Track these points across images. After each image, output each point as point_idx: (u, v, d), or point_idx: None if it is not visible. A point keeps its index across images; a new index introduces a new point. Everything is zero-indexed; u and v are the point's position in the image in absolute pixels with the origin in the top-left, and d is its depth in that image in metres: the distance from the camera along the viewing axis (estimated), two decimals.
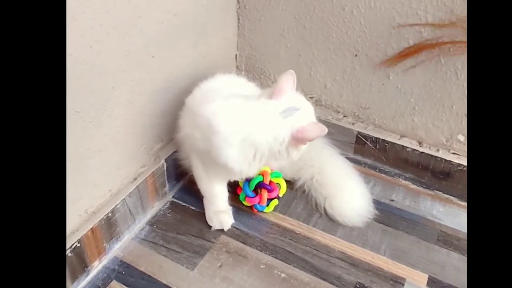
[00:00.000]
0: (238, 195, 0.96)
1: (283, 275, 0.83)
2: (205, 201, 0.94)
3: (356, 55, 1.01)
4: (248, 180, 0.93)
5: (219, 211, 0.92)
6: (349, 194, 0.96)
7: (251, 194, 0.93)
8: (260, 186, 0.93)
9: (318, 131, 0.76)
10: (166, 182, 0.98)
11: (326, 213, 0.96)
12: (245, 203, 0.95)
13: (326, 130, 0.75)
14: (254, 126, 0.76)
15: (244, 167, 0.79)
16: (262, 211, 0.95)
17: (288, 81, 0.78)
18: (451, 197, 1.01)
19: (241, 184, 0.95)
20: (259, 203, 0.94)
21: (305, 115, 0.78)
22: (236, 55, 1.18)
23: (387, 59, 0.96)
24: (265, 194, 0.93)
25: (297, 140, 0.76)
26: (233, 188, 0.97)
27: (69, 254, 0.76)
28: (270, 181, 0.95)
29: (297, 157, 0.81)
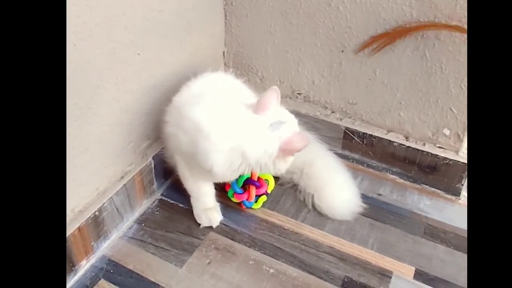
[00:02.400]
0: (227, 192, 0.96)
1: (271, 270, 0.84)
2: (192, 200, 0.94)
3: (342, 51, 1.02)
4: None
5: (207, 209, 0.92)
6: (338, 188, 0.97)
7: (239, 190, 0.93)
8: (248, 182, 0.93)
9: (303, 141, 0.79)
10: (154, 180, 0.98)
11: (314, 208, 0.96)
12: (233, 199, 0.95)
13: (309, 139, 0.78)
14: (245, 139, 0.78)
15: (227, 174, 0.81)
16: (251, 208, 0.96)
17: (272, 97, 0.79)
18: (438, 191, 1.02)
19: (228, 181, 0.95)
20: (247, 199, 0.94)
21: (290, 127, 0.80)
22: (223, 52, 1.17)
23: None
24: (253, 191, 0.93)
25: (285, 151, 0.79)
26: (221, 185, 0.97)
27: None
28: (258, 178, 0.95)
29: (285, 169, 0.83)
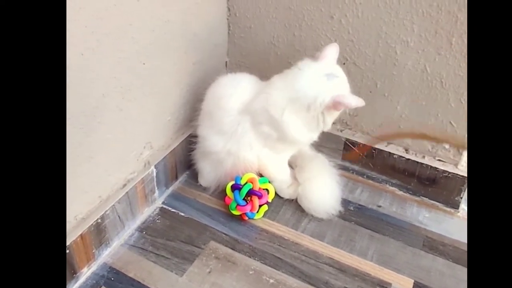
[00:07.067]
0: (228, 206, 0.96)
1: (271, 280, 0.84)
2: (279, 183, 1.01)
3: (344, 63, 1.03)
4: (238, 189, 0.94)
5: (290, 185, 1.01)
6: (324, 185, 0.99)
7: (242, 202, 0.93)
8: (250, 193, 0.94)
9: (356, 101, 0.84)
10: (156, 188, 0.99)
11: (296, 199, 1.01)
12: (235, 212, 0.95)
13: (363, 103, 0.84)
14: (301, 84, 0.86)
15: (301, 129, 0.90)
16: (253, 218, 0.96)
17: (332, 50, 0.88)
18: (437, 203, 1.03)
19: (229, 194, 0.95)
20: (250, 210, 0.94)
21: (342, 84, 0.88)
22: (226, 62, 1.19)
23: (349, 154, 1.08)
24: (256, 201, 0.93)
25: (335, 104, 0.84)
26: (222, 198, 0.98)
27: None
28: (259, 188, 0.95)
29: (328, 125, 0.91)
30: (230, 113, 0.93)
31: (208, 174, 1.02)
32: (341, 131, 1.11)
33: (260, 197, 0.94)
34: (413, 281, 0.85)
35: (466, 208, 1.01)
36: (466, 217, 1.00)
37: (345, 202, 1.01)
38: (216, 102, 0.95)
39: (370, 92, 1.03)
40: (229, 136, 0.94)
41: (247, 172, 0.96)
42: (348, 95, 0.86)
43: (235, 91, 0.95)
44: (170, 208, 0.99)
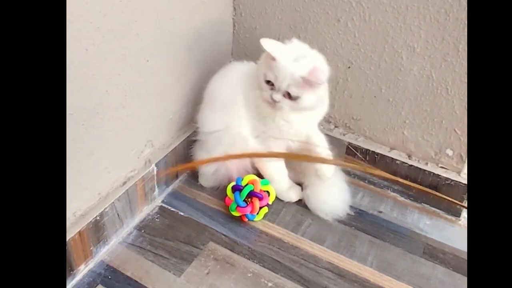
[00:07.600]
0: (228, 207, 0.95)
1: (270, 284, 0.84)
2: (277, 184, 1.00)
3: (349, 67, 1.03)
4: (239, 190, 0.93)
5: (289, 187, 1.02)
6: (332, 188, 0.99)
7: (242, 204, 0.93)
8: (251, 195, 0.93)
9: (320, 74, 0.85)
10: (156, 186, 0.98)
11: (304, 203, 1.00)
12: (235, 213, 0.94)
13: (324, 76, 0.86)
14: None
15: None
16: (253, 220, 0.95)
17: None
18: (438, 211, 1.02)
19: (230, 195, 0.95)
20: (251, 212, 0.93)
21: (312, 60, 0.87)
22: (230, 62, 1.18)
23: None
24: (256, 203, 0.93)
25: (307, 82, 0.84)
26: (222, 198, 0.98)
27: None
28: (260, 189, 0.95)
29: (309, 104, 0.89)
30: (231, 84, 0.96)
31: (207, 170, 1.01)
32: (343, 134, 1.10)
33: (260, 199, 0.93)
34: None
35: (467, 217, 1.00)
36: (467, 227, 0.99)
37: None
38: (221, 78, 0.98)
39: (375, 96, 1.02)
40: (228, 110, 0.95)
41: (242, 150, 0.95)
42: (314, 70, 0.85)
43: (240, 67, 0.99)
44: (169, 207, 0.99)
